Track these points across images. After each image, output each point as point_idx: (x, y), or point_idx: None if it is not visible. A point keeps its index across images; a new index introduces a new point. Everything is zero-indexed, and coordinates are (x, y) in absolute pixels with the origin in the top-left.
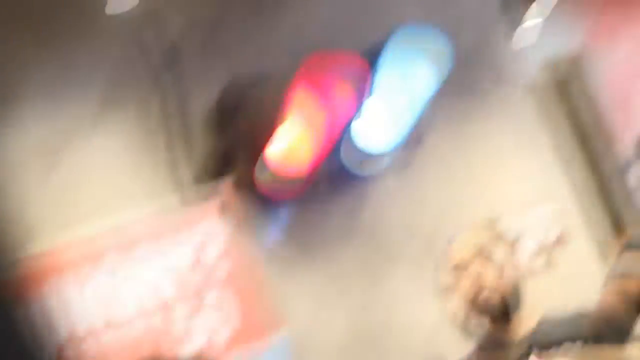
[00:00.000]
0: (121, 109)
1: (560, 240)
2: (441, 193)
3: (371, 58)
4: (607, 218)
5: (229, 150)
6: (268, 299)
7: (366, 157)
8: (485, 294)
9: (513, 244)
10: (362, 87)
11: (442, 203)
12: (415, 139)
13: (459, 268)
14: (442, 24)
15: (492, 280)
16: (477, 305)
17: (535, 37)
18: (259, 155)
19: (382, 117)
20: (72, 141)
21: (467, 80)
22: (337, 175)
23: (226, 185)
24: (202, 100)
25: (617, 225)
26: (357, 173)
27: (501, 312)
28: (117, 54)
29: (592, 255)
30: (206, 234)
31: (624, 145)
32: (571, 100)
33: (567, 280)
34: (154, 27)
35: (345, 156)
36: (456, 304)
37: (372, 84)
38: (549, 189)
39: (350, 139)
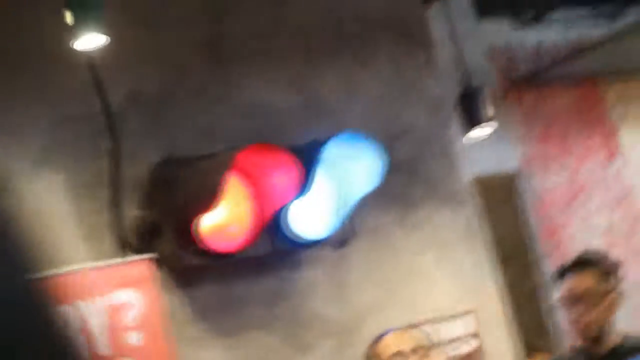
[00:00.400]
0: (56, 167)
1: (472, 354)
2: (362, 294)
3: (309, 155)
4: (523, 339)
5: (156, 224)
6: None
7: (294, 246)
8: None
9: (429, 351)
10: (295, 181)
11: (362, 304)
12: (342, 238)
13: None
14: (381, 133)
15: None
16: None
17: (471, 155)
18: (185, 232)
19: (312, 211)
20: (3, 192)
21: (399, 190)
22: (263, 259)
23: (149, 257)
24: (136, 171)
25: (531, 346)
26: (283, 260)
27: None
28: (62, 111)
29: None
30: (123, 302)
31: (546, 270)
32: (499, 219)
33: None
34: (101, 92)
35: (273, 243)
36: None
37: (306, 179)
38: (468, 303)
39: (280, 227)
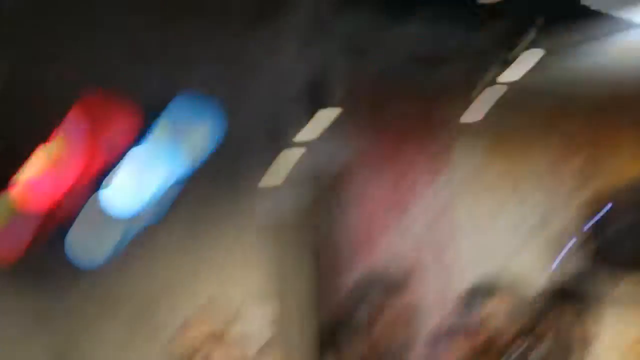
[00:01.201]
0: None
1: (263, 348)
2: (166, 272)
3: (146, 115)
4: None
5: None
6: None
7: (106, 219)
8: None
9: (223, 341)
10: (125, 143)
11: (163, 282)
12: (156, 212)
13: (193, 346)
14: (222, 101)
15: None
16: None
17: (302, 149)
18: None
19: (131, 183)
20: None
21: (224, 172)
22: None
23: None
24: None
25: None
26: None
27: None
28: None
29: None
30: None
31: (356, 270)
32: (314, 217)
33: None
34: None
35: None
36: None
37: (135, 143)
38: (268, 293)
39: (97, 198)
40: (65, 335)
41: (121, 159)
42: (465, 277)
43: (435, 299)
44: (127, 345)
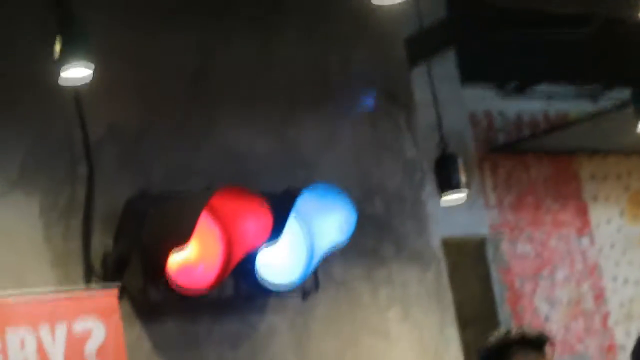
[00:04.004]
0: (31, 189)
1: None
2: (322, 345)
3: (283, 204)
4: None
5: (125, 255)
6: None
7: (259, 291)
8: None
9: None
10: (267, 228)
11: (321, 354)
12: (307, 289)
13: None
14: (355, 188)
15: None
16: None
17: (443, 217)
18: (153, 267)
19: (280, 259)
20: None
21: (368, 245)
22: (227, 301)
23: (114, 288)
24: (110, 201)
25: None
26: (248, 304)
27: None
28: (43, 135)
29: None
30: (84, 331)
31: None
32: (466, 281)
33: None
34: (80, 121)
35: (239, 286)
36: None
37: (278, 227)
38: None
39: (248, 272)
40: None
41: (258, 250)
42: (619, 330)
43: (592, 355)
44: None
